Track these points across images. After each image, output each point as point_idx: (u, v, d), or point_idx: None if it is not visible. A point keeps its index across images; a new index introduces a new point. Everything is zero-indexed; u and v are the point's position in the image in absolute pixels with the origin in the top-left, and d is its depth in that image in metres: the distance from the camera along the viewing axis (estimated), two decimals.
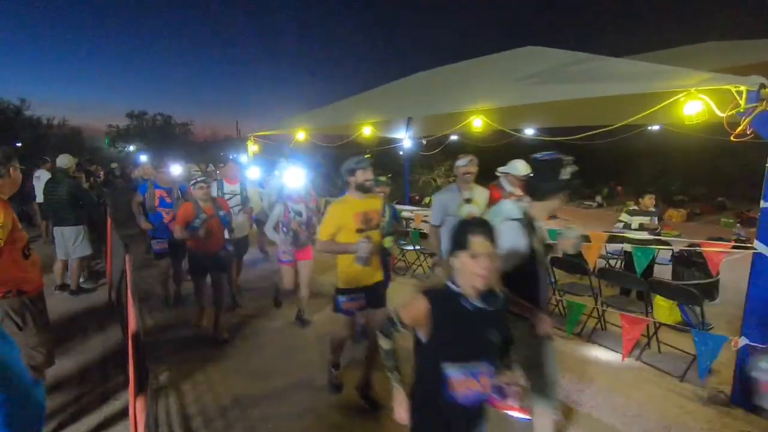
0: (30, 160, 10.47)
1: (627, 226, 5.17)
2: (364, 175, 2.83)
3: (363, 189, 2.85)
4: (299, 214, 4.14)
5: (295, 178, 4.14)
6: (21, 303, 2.25)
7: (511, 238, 2.09)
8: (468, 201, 3.60)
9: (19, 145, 20.80)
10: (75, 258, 5.17)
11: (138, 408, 1.45)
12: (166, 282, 4.96)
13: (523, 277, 2.12)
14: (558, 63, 4.54)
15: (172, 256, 4.81)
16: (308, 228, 4.20)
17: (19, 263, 2.22)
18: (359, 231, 2.79)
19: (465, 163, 3.62)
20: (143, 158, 13.00)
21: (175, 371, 3.45)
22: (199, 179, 3.94)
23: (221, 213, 4.04)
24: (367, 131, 6.07)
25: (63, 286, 5.30)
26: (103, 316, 4.58)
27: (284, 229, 4.13)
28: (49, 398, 2.60)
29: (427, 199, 9.18)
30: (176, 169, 5.15)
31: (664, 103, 3.10)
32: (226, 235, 4.21)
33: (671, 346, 3.73)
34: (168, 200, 4.81)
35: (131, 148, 30.22)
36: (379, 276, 2.99)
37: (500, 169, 3.95)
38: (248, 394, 3.13)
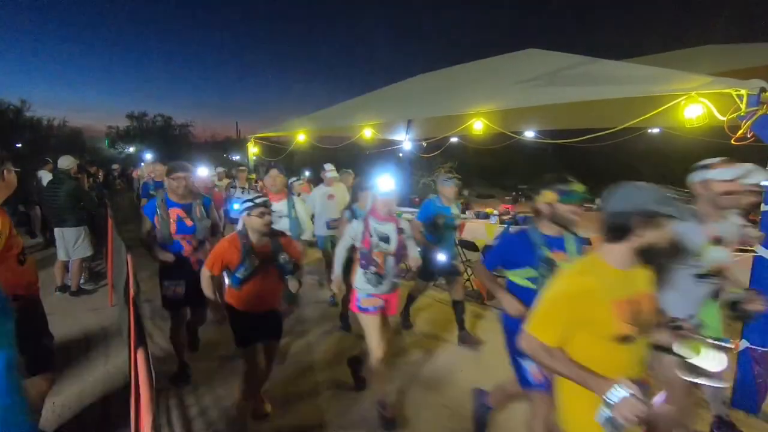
0: (30, 161, 10.48)
1: None
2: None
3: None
4: (385, 239, 2.78)
5: (385, 186, 2.82)
6: (17, 307, 2.24)
7: None
8: (718, 242, 2.12)
9: (20, 145, 20.83)
10: (75, 259, 5.18)
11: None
12: (178, 339, 3.38)
13: None
14: (558, 66, 4.56)
15: (192, 304, 3.34)
16: (399, 261, 2.88)
17: (14, 270, 2.19)
18: (623, 340, 1.44)
19: (744, 174, 2.06)
20: (149, 156, 10.88)
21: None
22: (257, 200, 2.59)
23: (283, 258, 2.64)
24: (367, 133, 6.09)
25: (63, 287, 5.29)
26: (103, 316, 4.57)
27: (362, 261, 2.83)
28: (50, 397, 2.60)
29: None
30: (202, 173, 3.95)
31: (664, 107, 3.12)
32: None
33: None
34: (188, 222, 3.23)
35: (131, 149, 30.25)
36: None
37: (736, 174, 2.09)
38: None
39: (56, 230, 5.15)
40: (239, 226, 2.82)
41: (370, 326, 2.80)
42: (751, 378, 2.90)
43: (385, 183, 2.81)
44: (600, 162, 18.06)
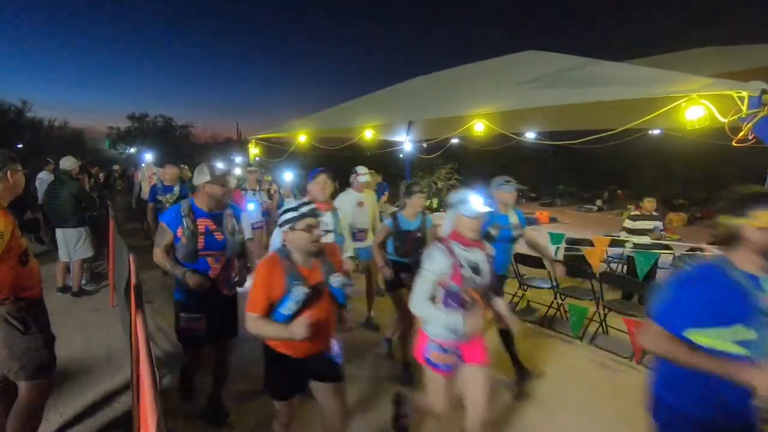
0: (31, 162, 10.46)
1: (633, 234, 5.15)
2: None
3: None
4: (476, 270, 2.15)
5: (477, 204, 2.14)
6: (19, 308, 2.24)
7: None
8: None
9: (21, 146, 20.88)
10: (77, 260, 5.19)
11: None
12: (190, 373, 3.04)
13: None
14: (559, 67, 4.56)
15: (218, 337, 2.80)
16: (487, 296, 2.26)
17: (16, 271, 2.19)
18: None
19: None
20: (148, 157, 9.40)
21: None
22: (302, 209, 1.99)
23: (338, 281, 2.08)
24: (368, 134, 6.10)
25: (65, 288, 5.30)
26: (105, 317, 4.58)
27: (451, 303, 2.12)
28: (51, 398, 2.61)
29: (427, 202, 9.18)
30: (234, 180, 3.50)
31: (665, 108, 3.13)
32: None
33: None
34: (219, 236, 2.66)
35: (132, 150, 30.29)
36: None
37: None
38: (250, 394, 3.13)
39: (57, 231, 5.16)
40: (274, 241, 2.30)
41: (436, 386, 2.18)
42: None
43: (475, 201, 2.15)
44: (601, 163, 18.09)
